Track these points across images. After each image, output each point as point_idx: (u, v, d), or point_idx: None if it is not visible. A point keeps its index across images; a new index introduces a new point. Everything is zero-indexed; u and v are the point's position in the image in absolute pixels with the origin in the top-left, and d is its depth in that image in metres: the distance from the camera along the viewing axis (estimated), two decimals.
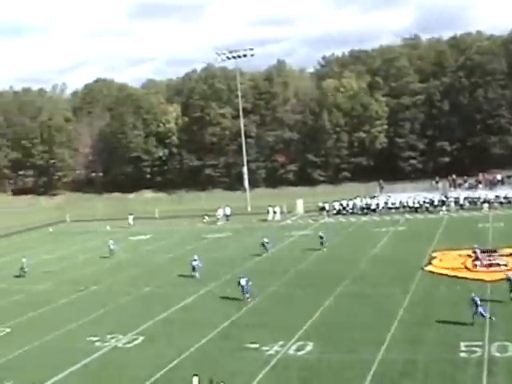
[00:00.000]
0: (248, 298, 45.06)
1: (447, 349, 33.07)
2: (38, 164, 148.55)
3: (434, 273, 51.26)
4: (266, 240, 64.63)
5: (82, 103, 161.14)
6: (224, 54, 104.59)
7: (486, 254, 54.62)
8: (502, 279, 44.86)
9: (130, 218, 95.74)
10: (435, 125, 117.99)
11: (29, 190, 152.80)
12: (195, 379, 26.47)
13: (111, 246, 70.79)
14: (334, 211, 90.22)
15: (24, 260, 62.82)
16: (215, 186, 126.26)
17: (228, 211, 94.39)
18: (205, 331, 38.72)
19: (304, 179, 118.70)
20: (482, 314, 35.48)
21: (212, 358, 34.67)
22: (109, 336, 40.11)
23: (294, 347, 35.55)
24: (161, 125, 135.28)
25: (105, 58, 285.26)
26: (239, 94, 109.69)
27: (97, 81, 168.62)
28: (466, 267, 52.23)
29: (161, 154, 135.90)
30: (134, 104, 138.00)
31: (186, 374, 32.01)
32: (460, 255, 56.30)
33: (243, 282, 45.60)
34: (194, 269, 54.93)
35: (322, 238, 64.64)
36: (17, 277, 61.88)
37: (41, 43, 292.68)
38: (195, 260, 55.81)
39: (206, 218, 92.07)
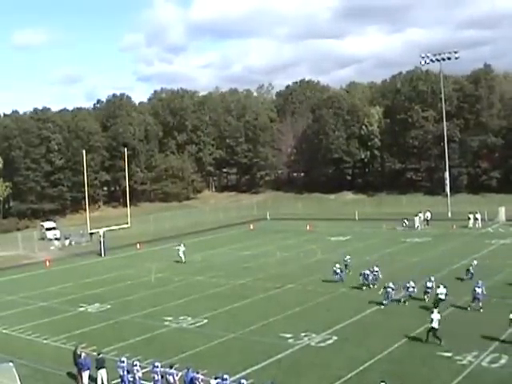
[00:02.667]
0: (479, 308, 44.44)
1: None
2: (241, 162, 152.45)
3: None
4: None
5: (285, 103, 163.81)
6: (428, 57, 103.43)
7: None
8: None
9: (406, 221, 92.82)
10: None
11: (232, 187, 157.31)
12: None
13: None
14: None
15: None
16: (416, 190, 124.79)
17: (428, 216, 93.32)
18: (397, 336, 38.63)
19: (507, 186, 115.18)
20: None
21: (403, 364, 34.67)
22: (302, 334, 40.90)
23: (487, 359, 34.95)
24: (363, 127, 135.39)
25: (312, 60, 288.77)
26: (443, 97, 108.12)
27: (301, 82, 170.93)
28: None
29: (363, 156, 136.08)
30: (335, 105, 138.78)
31: (375, 377, 32.30)
32: None
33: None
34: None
35: None
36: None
37: (249, 45, 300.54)
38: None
39: (406, 222, 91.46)
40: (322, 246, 78.83)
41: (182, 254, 72.32)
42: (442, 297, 44.93)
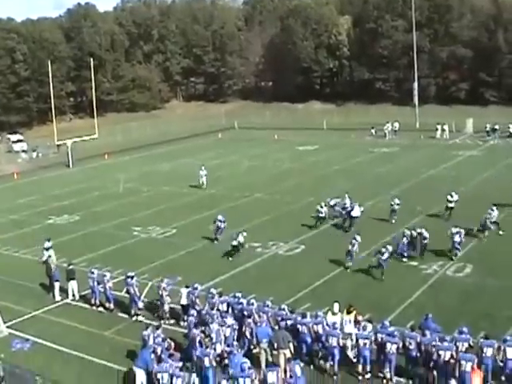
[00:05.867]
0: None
1: None
2: (209, 71, 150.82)
3: None
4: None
5: (253, 12, 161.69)
6: None
7: None
8: None
9: (373, 130, 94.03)
10: None
11: (199, 96, 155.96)
12: (336, 306, 26.84)
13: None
14: (506, 133, 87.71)
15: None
16: (384, 100, 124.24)
17: (397, 126, 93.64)
18: (366, 244, 39.04)
19: (475, 98, 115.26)
20: None
21: (370, 273, 35.32)
22: (270, 243, 41.37)
23: (452, 268, 35.70)
24: (332, 36, 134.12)
25: None
26: (413, 6, 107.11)
27: None
28: None
29: (331, 65, 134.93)
30: (303, 14, 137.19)
31: (343, 286, 32.98)
32: None
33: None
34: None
35: None
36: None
37: None
38: None
39: (373, 131, 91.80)
40: (290, 155, 79.15)
41: (204, 179, 61.84)
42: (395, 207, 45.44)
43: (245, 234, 39.31)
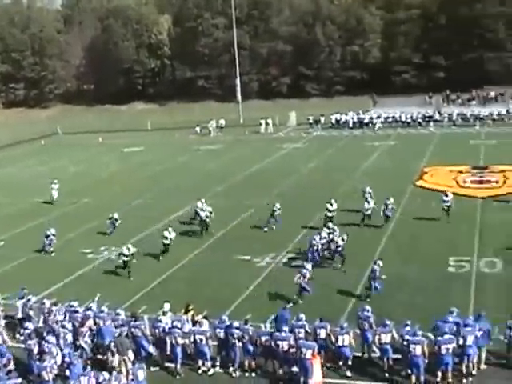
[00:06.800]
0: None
1: (436, 263, 33.67)
2: (28, 76, 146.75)
3: (424, 188, 51.73)
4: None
5: (72, 14, 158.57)
6: None
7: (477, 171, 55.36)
8: (492, 196, 45.35)
9: (198, 128, 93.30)
10: (430, 39, 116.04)
11: (20, 102, 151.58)
12: (166, 305, 26.66)
13: None
14: (328, 124, 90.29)
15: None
16: (208, 98, 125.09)
17: (222, 123, 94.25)
18: (197, 244, 39.09)
19: (297, 92, 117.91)
20: None
21: (203, 271, 35.25)
22: (102, 248, 40.61)
23: (284, 260, 36.21)
24: (152, 36, 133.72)
25: None
26: (233, 3, 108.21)
27: None
28: (457, 183, 52.64)
29: (153, 65, 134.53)
30: (123, 14, 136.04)
31: (176, 285, 32.84)
32: (451, 171, 56.70)
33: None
34: None
35: None
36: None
37: None
38: None
39: (198, 128, 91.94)
40: (116, 157, 78.17)
41: (55, 194, 56.18)
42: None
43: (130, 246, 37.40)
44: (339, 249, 34.04)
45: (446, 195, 42.13)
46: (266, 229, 41.72)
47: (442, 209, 41.66)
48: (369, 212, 41.35)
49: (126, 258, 35.52)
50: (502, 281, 30.99)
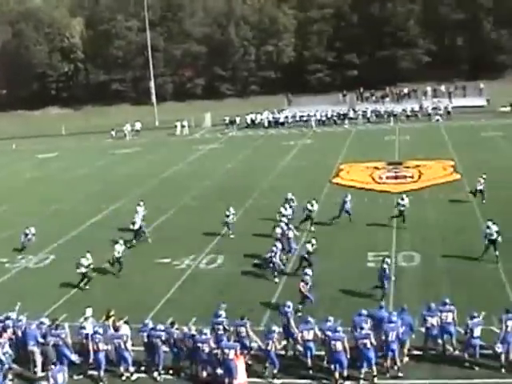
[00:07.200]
0: None
1: (356, 259, 34.05)
2: None
3: (341, 185, 52.30)
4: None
5: None
6: None
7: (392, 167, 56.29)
8: (407, 191, 46.08)
9: (113, 132, 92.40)
10: (343, 38, 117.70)
11: None
12: (89, 310, 26.37)
13: None
14: (244, 124, 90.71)
15: None
16: (123, 101, 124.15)
17: (138, 126, 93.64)
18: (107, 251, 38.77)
19: (212, 93, 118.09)
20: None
21: (124, 276, 34.91)
22: (19, 257, 39.86)
23: (204, 261, 36.19)
24: (65, 39, 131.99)
25: None
26: (145, 5, 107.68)
27: None
28: (373, 179, 53.40)
29: (66, 69, 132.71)
30: (35, 18, 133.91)
31: (99, 291, 32.42)
32: (367, 167, 57.56)
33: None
34: None
35: None
36: None
37: None
38: None
39: (113, 132, 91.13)
40: (31, 164, 76.84)
41: None
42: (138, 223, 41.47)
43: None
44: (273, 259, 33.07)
45: (402, 199, 40.44)
46: (232, 236, 40.37)
47: (395, 214, 40.32)
48: (290, 218, 39.99)
49: (84, 270, 33.69)
50: (420, 274, 31.54)
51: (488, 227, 32.72)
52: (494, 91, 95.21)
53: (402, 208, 39.81)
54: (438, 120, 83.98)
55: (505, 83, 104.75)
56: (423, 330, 24.22)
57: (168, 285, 32.97)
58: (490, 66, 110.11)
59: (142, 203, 43.82)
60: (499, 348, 23.08)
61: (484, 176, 44.49)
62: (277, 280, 32.41)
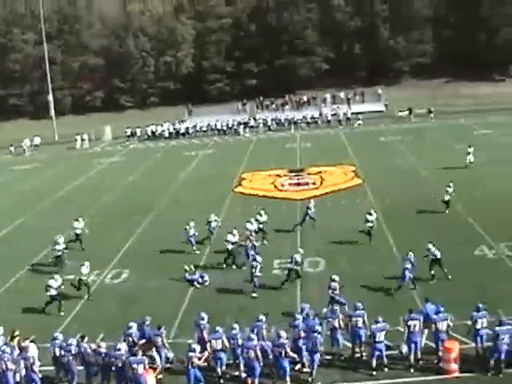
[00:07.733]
0: None
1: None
2: None
3: (243, 194, 52.65)
4: None
5: None
6: None
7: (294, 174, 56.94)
8: (310, 197, 46.54)
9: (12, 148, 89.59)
10: (242, 47, 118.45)
11: None
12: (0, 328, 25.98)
13: None
14: (145, 136, 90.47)
15: None
16: (20, 116, 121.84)
17: (37, 141, 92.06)
18: (19, 265, 38.10)
19: (111, 105, 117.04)
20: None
21: (30, 293, 34.26)
22: None
23: (109, 275, 35.93)
24: None
25: None
26: (42, 18, 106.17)
27: None
28: (276, 187, 53.86)
29: None
30: None
31: (3, 311, 31.77)
32: (269, 175, 58.15)
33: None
34: None
35: None
36: None
37: None
38: None
39: (12, 148, 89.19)
40: None
41: None
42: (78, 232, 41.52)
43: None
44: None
45: (370, 214, 38.08)
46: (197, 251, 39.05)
47: (365, 230, 37.95)
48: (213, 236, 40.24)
49: (53, 292, 31.72)
50: (325, 279, 31.89)
51: (428, 249, 31.72)
52: (391, 97, 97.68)
53: (371, 224, 37.72)
54: (359, 124, 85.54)
55: (402, 89, 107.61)
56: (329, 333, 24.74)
57: (74, 301, 32.59)
58: (387, 72, 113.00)
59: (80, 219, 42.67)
60: (403, 348, 23.69)
61: (451, 185, 43.50)
62: (255, 295, 31.83)
